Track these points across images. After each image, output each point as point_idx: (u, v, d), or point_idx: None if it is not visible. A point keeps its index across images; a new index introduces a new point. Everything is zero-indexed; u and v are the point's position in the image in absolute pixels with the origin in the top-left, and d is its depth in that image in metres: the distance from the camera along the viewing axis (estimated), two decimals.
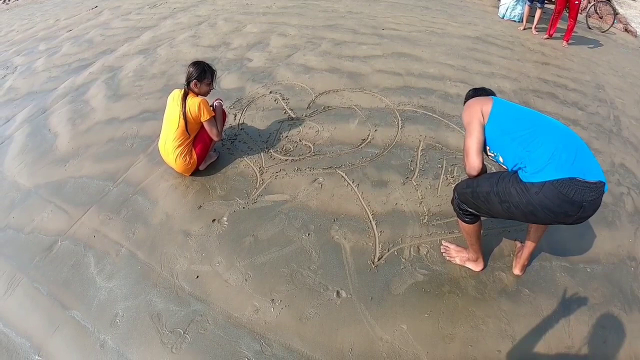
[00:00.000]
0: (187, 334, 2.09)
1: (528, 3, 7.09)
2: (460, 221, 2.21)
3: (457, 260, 2.46)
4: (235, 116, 3.88)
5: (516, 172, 1.92)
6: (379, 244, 2.57)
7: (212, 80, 3.03)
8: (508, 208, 1.90)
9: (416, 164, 3.29)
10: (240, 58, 5.08)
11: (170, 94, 3.06)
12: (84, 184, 3.16)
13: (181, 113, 2.93)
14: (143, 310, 2.22)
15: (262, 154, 3.38)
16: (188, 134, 2.99)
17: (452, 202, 2.24)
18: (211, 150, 3.23)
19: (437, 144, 3.54)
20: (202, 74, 2.94)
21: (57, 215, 2.90)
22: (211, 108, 3.07)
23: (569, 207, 1.77)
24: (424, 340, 2.07)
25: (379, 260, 2.47)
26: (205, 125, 3.02)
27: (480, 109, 2.06)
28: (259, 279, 2.36)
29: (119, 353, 2.03)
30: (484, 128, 2.02)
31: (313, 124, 3.76)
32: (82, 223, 2.81)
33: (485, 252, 2.47)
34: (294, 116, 3.88)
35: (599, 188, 1.78)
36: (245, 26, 6.17)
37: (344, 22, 6.36)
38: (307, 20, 6.39)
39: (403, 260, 2.47)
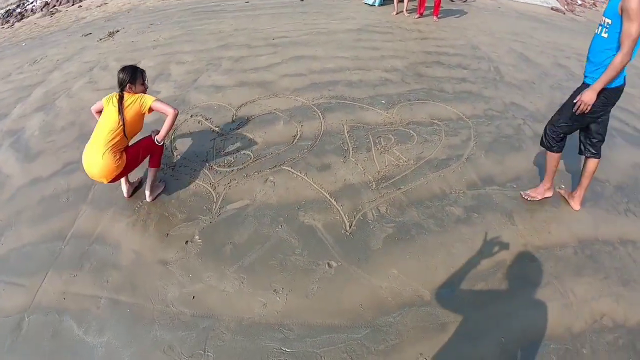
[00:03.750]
0: (208, 352, 2.15)
1: None
2: (549, 153, 2.92)
3: (539, 197, 3.07)
4: (165, 145, 3.91)
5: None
6: (345, 215, 2.91)
7: (144, 80, 3.04)
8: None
9: (348, 144, 3.68)
10: (147, 92, 5.04)
11: (104, 98, 3.01)
12: (30, 252, 2.97)
13: (117, 112, 2.86)
14: (152, 349, 2.20)
15: (207, 171, 3.49)
16: (126, 137, 2.90)
17: (542, 144, 2.97)
18: (155, 181, 3.24)
19: (358, 124, 3.98)
20: (134, 76, 2.92)
21: (12, 291, 2.69)
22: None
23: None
24: (415, 276, 2.47)
25: (350, 227, 2.81)
26: (156, 107, 2.97)
27: None
28: (254, 277, 2.52)
29: None
30: None
31: (243, 134, 3.95)
32: (44, 291, 2.64)
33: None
34: (222, 132, 4.03)
35: None
36: (140, 62, 6.06)
37: (234, 40, 6.58)
38: (199, 45, 6.49)
39: (370, 221, 2.85)
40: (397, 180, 3.22)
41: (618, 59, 2.43)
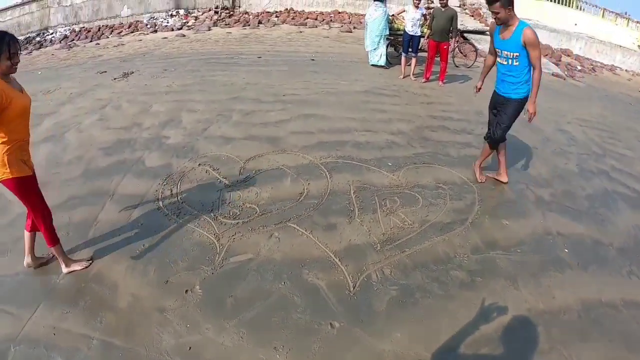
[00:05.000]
0: None
1: (404, 54, 8.41)
2: (501, 150, 4.08)
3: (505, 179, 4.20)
4: (171, 191, 3.93)
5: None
6: (349, 275, 2.88)
7: (10, 53, 2.33)
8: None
9: (354, 205, 3.72)
10: (157, 136, 5.15)
11: None
12: (23, 281, 2.90)
13: None
14: None
15: (211, 221, 3.48)
16: None
17: (493, 145, 4.03)
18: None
19: (365, 185, 4.05)
20: None
21: (0, 319, 2.60)
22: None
23: None
24: (418, 340, 2.42)
25: (354, 288, 2.77)
26: None
27: None
28: (254, 333, 2.45)
29: None
30: None
31: (250, 187, 3.99)
32: (34, 323, 2.55)
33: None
34: (229, 183, 4.07)
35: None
36: (152, 106, 6.25)
37: (246, 94, 6.82)
38: (211, 95, 6.71)
39: (374, 283, 2.82)
40: (401, 242, 3.24)
41: (537, 75, 3.55)
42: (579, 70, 13.09)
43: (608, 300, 2.86)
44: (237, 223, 3.46)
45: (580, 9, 18.20)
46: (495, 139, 3.99)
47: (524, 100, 3.75)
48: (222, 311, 2.60)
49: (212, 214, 3.59)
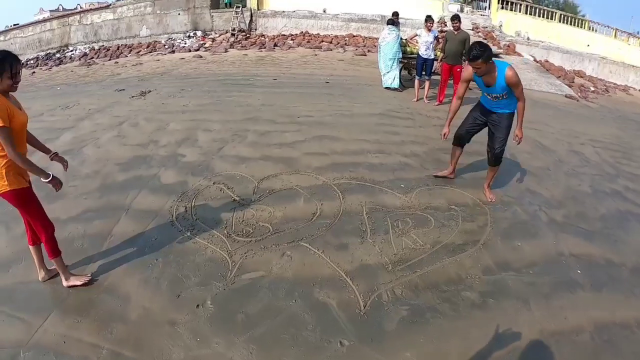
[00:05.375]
0: None
1: (417, 77, 8.50)
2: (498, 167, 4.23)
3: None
4: (185, 208, 3.99)
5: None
6: (360, 295, 2.88)
7: (13, 73, 2.46)
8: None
9: (366, 226, 3.73)
10: (173, 154, 5.26)
11: None
12: (36, 290, 2.95)
13: None
14: None
15: (224, 239, 3.52)
16: None
17: (495, 163, 4.22)
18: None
19: (377, 206, 4.06)
20: (0, 67, 2.42)
21: (12, 325, 2.65)
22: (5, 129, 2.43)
23: None
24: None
25: (364, 307, 2.76)
26: None
27: None
28: (264, 349, 2.45)
29: None
30: None
31: (264, 207, 4.03)
32: (44, 330, 2.60)
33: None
34: (243, 202, 4.12)
35: None
36: (168, 124, 6.40)
37: (261, 115, 6.94)
38: (227, 115, 6.85)
39: (384, 302, 2.81)
40: (413, 263, 3.23)
41: (522, 105, 3.96)
42: (592, 91, 13.08)
43: (621, 321, 2.82)
44: (250, 241, 3.50)
45: (593, 30, 18.30)
46: (497, 154, 4.18)
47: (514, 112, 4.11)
48: (232, 326, 2.61)
49: (225, 231, 3.63)
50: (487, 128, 4.30)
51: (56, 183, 2.71)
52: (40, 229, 2.79)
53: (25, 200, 2.71)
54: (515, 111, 4.04)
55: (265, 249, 3.38)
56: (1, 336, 2.58)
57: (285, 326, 2.61)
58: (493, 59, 3.78)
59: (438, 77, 8.69)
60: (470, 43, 7.51)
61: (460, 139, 4.51)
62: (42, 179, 2.65)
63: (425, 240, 3.55)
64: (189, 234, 3.59)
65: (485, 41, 15.04)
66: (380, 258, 3.28)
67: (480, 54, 3.61)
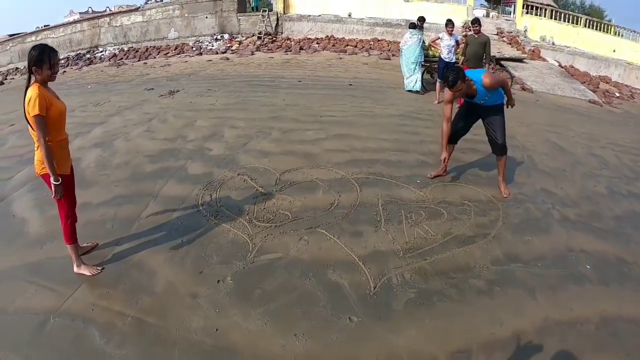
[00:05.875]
0: None
1: (439, 80, 8.53)
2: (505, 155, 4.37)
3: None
4: (211, 196, 4.23)
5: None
6: (371, 277, 3.04)
7: (52, 64, 2.70)
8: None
9: (381, 216, 3.88)
10: (200, 148, 5.53)
11: None
12: (67, 264, 3.14)
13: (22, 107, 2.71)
14: None
15: (246, 224, 3.73)
16: (31, 127, 2.73)
17: (501, 153, 4.34)
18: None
19: (393, 199, 4.20)
20: (39, 58, 2.65)
21: (43, 294, 2.91)
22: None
23: None
24: (433, 339, 2.53)
25: (374, 289, 2.92)
26: (31, 122, 2.68)
27: None
28: (278, 321, 2.64)
29: None
30: None
31: (284, 197, 4.23)
32: (75, 299, 2.84)
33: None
34: (265, 192, 4.33)
35: None
36: (196, 121, 6.70)
37: (285, 114, 7.17)
38: (252, 114, 7.10)
39: (394, 285, 2.96)
40: (424, 251, 3.36)
41: (506, 87, 4.31)
42: (617, 97, 12.79)
43: (628, 315, 2.86)
44: (270, 226, 3.70)
45: (619, 35, 17.87)
46: (501, 145, 4.32)
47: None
48: (249, 300, 2.81)
49: (247, 217, 3.85)
50: (480, 121, 4.48)
51: (58, 191, 2.81)
52: (63, 214, 2.99)
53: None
54: (504, 98, 4.32)
55: (284, 234, 3.58)
56: (33, 304, 2.84)
57: (298, 302, 2.79)
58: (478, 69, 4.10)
59: None
60: (490, 47, 7.66)
61: (453, 138, 4.63)
62: (51, 179, 2.77)
63: (437, 231, 3.67)
64: (213, 219, 3.82)
65: (509, 46, 15.09)
66: (392, 245, 3.43)
67: (457, 77, 3.84)
